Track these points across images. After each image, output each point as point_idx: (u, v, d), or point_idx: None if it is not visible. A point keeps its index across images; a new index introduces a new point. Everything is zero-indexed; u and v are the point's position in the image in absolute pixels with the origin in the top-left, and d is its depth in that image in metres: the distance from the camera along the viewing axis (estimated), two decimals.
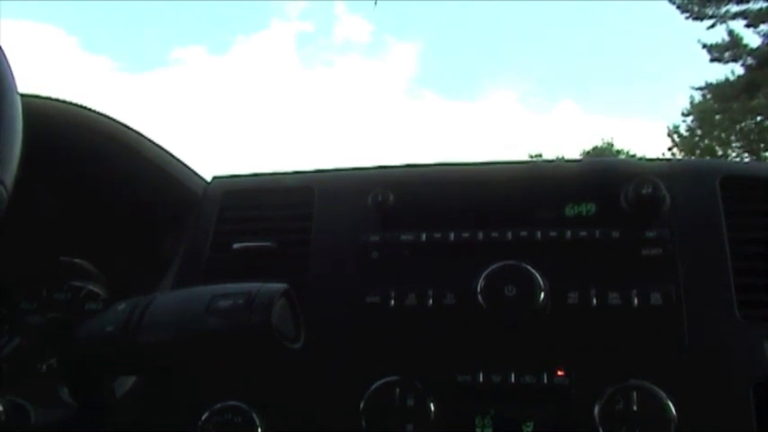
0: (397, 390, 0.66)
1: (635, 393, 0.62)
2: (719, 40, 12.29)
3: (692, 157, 12.90)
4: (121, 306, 0.54)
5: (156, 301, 0.54)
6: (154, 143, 0.85)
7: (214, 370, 0.64)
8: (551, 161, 1.15)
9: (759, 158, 12.69)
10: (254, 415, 0.67)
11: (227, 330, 0.50)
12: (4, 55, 0.47)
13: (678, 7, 12.28)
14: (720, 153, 14.60)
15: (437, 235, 0.73)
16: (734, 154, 14.51)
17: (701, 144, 15.23)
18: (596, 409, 0.63)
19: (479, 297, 0.67)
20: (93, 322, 0.56)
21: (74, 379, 0.58)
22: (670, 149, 15.95)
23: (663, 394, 0.62)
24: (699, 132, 15.48)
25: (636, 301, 0.66)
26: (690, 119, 15.61)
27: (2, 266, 0.78)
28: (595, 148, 19.06)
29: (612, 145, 19.42)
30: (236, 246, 0.77)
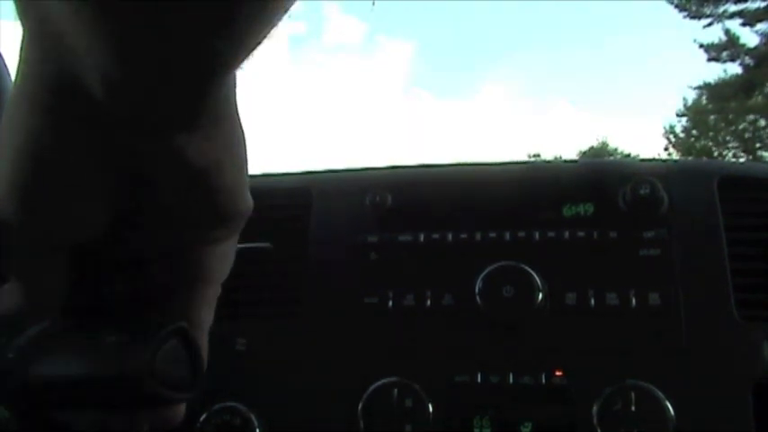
0: (396, 391, 0.66)
1: (633, 394, 0.62)
2: (716, 40, 12.32)
3: (690, 158, 12.91)
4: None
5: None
6: None
7: None
8: (549, 162, 1.15)
9: (755, 159, 12.72)
10: (253, 416, 0.67)
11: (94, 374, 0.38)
12: (1, 56, 0.47)
13: (676, 6, 12.32)
14: (716, 153, 14.64)
15: (435, 236, 0.72)
16: (730, 154, 14.55)
17: (698, 144, 15.27)
18: (595, 410, 0.63)
19: (478, 298, 0.67)
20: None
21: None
22: (666, 149, 16.01)
23: (661, 395, 0.62)
24: (694, 133, 15.53)
25: (634, 301, 0.66)
26: (685, 119, 15.67)
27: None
28: (591, 149, 19.11)
29: (607, 144, 19.49)
30: None
